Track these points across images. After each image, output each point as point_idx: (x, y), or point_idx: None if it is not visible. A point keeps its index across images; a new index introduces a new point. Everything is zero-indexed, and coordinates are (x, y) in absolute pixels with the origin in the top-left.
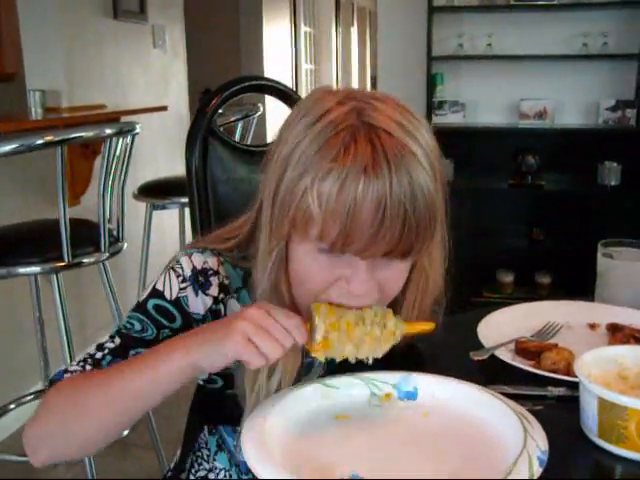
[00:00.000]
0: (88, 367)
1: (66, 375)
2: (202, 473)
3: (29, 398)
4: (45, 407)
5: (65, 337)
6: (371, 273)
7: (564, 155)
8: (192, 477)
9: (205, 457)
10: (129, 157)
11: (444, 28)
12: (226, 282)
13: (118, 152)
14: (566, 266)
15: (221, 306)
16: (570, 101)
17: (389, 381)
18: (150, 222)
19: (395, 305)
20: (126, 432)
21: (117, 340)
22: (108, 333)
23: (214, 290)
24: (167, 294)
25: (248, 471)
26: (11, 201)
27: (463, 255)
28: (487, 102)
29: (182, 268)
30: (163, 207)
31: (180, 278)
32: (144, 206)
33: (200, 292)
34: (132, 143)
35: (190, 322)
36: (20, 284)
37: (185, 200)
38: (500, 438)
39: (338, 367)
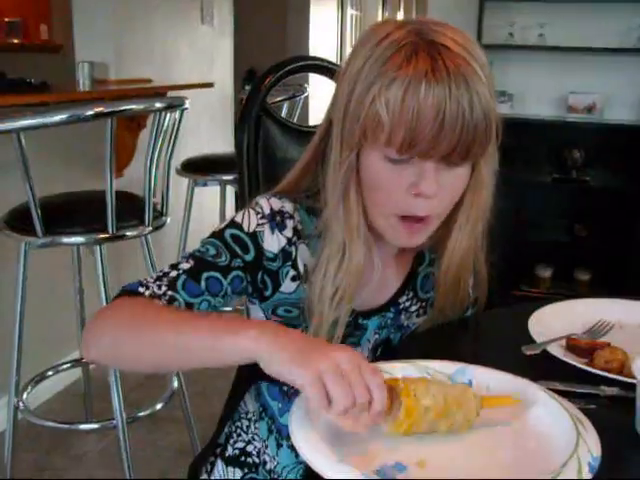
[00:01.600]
0: (164, 287)
1: (140, 289)
2: (240, 445)
3: (66, 366)
4: (108, 313)
5: None
6: (437, 176)
7: (611, 151)
8: (230, 448)
9: (244, 428)
10: (177, 132)
11: (495, 16)
12: (300, 227)
13: (166, 127)
14: (606, 264)
15: (293, 249)
16: (620, 96)
17: (445, 371)
18: (192, 198)
19: (450, 220)
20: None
21: (191, 261)
22: None
23: (289, 232)
24: (245, 226)
25: (289, 437)
26: (56, 172)
27: (503, 247)
28: (535, 94)
29: (261, 207)
30: (205, 184)
31: (259, 215)
32: (186, 182)
33: (277, 230)
34: (180, 118)
35: (262, 258)
36: (61, 253)
37: (227, 177)
38: (552, 438)
39: (391, 353)
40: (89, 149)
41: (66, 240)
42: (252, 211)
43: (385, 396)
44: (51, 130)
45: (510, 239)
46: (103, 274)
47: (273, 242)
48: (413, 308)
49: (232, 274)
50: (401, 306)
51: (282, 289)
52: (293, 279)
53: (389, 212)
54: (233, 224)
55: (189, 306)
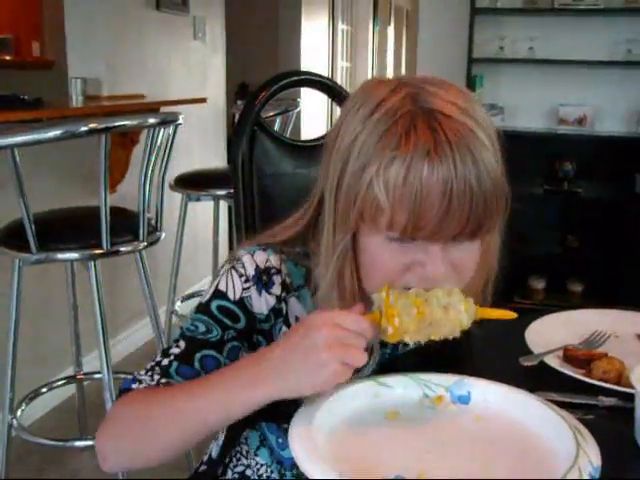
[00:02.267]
0: (156, 376)
1: (134, 385)
2: (240, 469)
3: (60, 383)
4: (113, 419)
5: (100, 324)
6: (445, 255)
7: (602, 163)
8: (230, 472)
9: (244, 453)
10: (170, 147)
11: (486, 30)
12: (288, 280)
13: (159, 142)
14: (599, 275)
15: (283, 305)
16: (610, 108)
17: (443, 383)
18: (185, 213)
19: None
20: None
21: (182, 344)
22: (139, 321)
23: (277, 289)
24: (230, 295)
25: (291, 467)
26: (48, 188)
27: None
28: (526, 106)
29: (244, 267)
30: (198, 199)
31: (243, 278)
32: (179, 197)
33: (264, 291)
34: (174, 134)
35: (254, 322)
36: (55, 269)
37: (220, 192)
38: (551, 449)
39: (391, 366)
40: (83, 165)
41: (60, 256)
42: (235, 274)
43: (374, 329)
44: (45, 146)
45: (503, 251)
46: (98, 290)
47: (262, 304)
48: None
49: (227, 346)
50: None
51: None
52: None
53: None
54: (218, 294)
55: (205, 376)
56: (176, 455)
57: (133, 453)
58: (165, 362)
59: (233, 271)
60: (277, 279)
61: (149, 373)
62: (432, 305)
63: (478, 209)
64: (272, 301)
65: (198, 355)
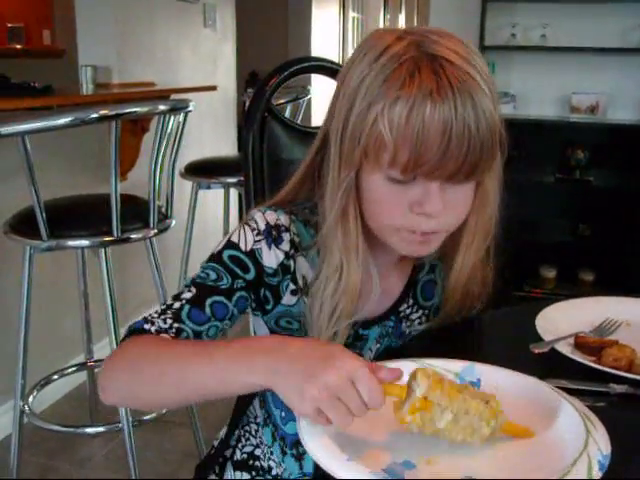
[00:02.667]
0: (169, 320)
1: (146, 326)
2: (249, 449)
3: (71, 370)
4: (119, 356)
5: (110, 311)
6: (442, 194)
7: (614, 151)
8: (238, 452)
9: (253, 432)
10: (181, 135)
11: (497, 17)
12: (297, 239)
13: (170, 129)
14: (610, 264)
15: (291, 262)
16: (623, 96)
17: (452, 369)
18: (196, 201)
19: (456, 233)
20: None
21: (193, 290)
22: (150, 308)
23: (286, 245)
24: (242, 246)
25: (292, 445)
26: (59, 175)
27: (506, 248)
28: (538, 94)
29: (257, 223)
30: (208, 187)
31: (255, 232)
32: (189, 185)
33: (273, 246)
34: (184, 121)
35: (262, 274)
36: (66, 257)
37: (230, 180)
38: (561, 436)
39: (399, 351)
40: (93, 153)
41: (71, 243)
42: (248, 228)
43: (381, 401)
44: (56, 134)
45: (514, 239)
46: (108, 277)
47: (271, 258)
48: (414, 316)
49: (236, 295)
50: (402, 314)
51: (283, 302)
52: (293, 293)
53: (395, 227)
54: (230, 244)
55: (197, 334)
56: (170, 408)
57: (132, 392)
58: (177, 305)
59: (246, 226)
60: (286, 236)
61: (162, 316)
62: (467, 416)
63: (475, 150)
64: (281, 256)
65: (209, 300)
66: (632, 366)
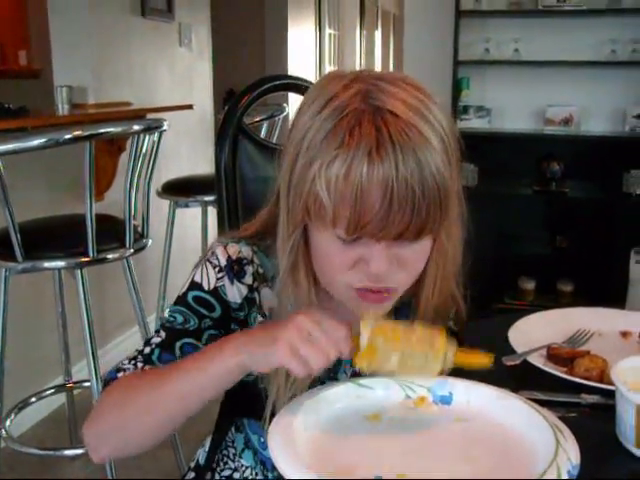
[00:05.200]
0: (140, 364)
1: (119, 374)
2: (227, 472)
3: (49, 392)
4: (101, 407)
5: (88, 332)
6: (389, 252)
7: (589, 162)
8: (217, 476)
9: (231, 456)
10: (155, 154)
11: (471, 32)
12: (260, 271)
13: (145, 149)
14: (589, 274)
15: (256, 294)
16: (597, 108)
17: (424, 384)
18: (173, 220)
19: (417, 285)
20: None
21: (162, 334)
22: (129, 329)
23: (249, 279)
24: (205, 285)
25: (273, 468)
26: (36, 196)
27: (485, 261)
28: (513, 108)
29: (218, 258)
30: (186, 205)
31: (217, 268)
32: (167, 204)
33: (236, 280)
34: (159, 140)
35: (229, 311)
36: (43, 278)
37: (208, 199)
38: (532, 449)
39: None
40: (69, 173)
41: (47, 265)
42: (209, 265)
43: (350, 342)
44: (31, 154)
45: (493, 252)
46: (85, 298)
47: (235, 293)
48: None
49: (205, 335)
50: None
51: None
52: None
53: (345, 284)
54: (194, 285)
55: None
56: (160, 439)
57: (119, 439)
58: (147, 350)
59: (207, 263)
60: (249, 269)
61: (132, 362)
62: (413, 357)
63: (421, 211)
64: (244, 290)
65: (178, 343)
66: (603, 376)
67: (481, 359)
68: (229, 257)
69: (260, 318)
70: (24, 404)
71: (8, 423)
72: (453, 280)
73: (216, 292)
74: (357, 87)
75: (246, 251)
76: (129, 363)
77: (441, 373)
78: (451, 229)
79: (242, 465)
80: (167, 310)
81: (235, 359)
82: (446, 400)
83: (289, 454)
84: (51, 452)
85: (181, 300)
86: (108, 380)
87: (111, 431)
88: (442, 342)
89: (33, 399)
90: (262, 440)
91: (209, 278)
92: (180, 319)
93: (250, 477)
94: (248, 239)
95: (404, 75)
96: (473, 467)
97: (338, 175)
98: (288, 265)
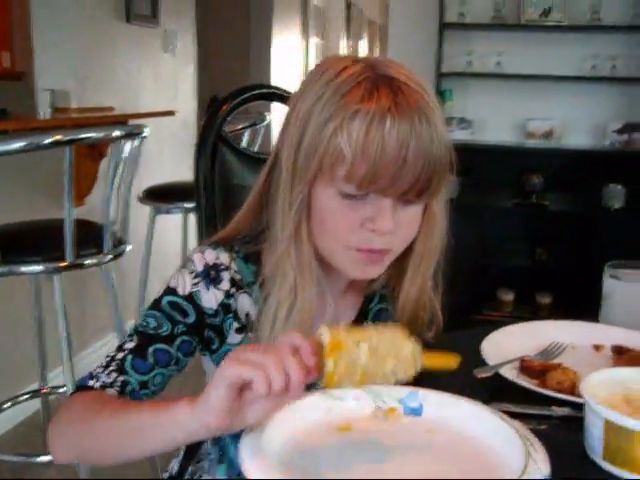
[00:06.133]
0: (113, 374)
1: (91, 382)
2: None
3: (25, 397)
4: (65, 415)
5: (64, 338)
6: (393, 212)
7: (569, 176)
8: None
9: (206, 469)
10: (137, 160)
11: (454, 45)
12: (237, 277)
13: (125, 154)
14: (568, 287)
15: (232, 300)
16: (577, 122)
17: (395, 395)
18: (154, 226)
19: (403, 259)
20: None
21: (135, 339)
22: (107, 335)
23: (225, 284)
24: (180, 290)
25: None
26: (16, 200)
27: (465, 271)
28: (495, 120)
29: (194, 264)
30: (167, 212)
31: (193, 274)
32: (148, 210)
33: (212, 286)
34: (140, 146)
35: (203, 317)
36: (20, 283)
37: (189, 205)
38: (502, 460)
39: None
40: (50, 178)
41: (24, 269)
42: (185, 271)
43: (302, 337)
44: (11, 158)
45: (472, 263)
46: (62, 303)
47: (210, 298)
48: None
49: (178, 341)
50: None
51: (228, 341)
52: (238, 331)
53: (345, 245)
54: (169, 290)
55: (143, 384)
56: (124, 461)
57: (77, 450)
58: (120, 356)
59: (184, 269)
60: (225, 275)
61: (105, 370)
62: (378, 367)
63: (430, 167)
64: (220, 296)
65: (151, 349)
66: (574, 389)
67: (447, 360)
68: (206, 263)
69: (236, 324)
70: None
71: None
72: (430, 280)
73: (191, 297)
74: (365, 61)
75: (224, 257)
76: (102, 371)
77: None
78: (439, 205)
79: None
80: (141, 314)
81: (186, 408)
82: (417, 411)
83: (258, 462)
84: (24, 458)
85: (155, 305)
86: (79, 386)
87: (69, 443)
88: (409, 351)
89: (8, 404)
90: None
91: (185, 283)
92: (153, 323)
93: None
94: (227, 245)
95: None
96: (444, 476)
97: (360, 129)
98: (292, 228)
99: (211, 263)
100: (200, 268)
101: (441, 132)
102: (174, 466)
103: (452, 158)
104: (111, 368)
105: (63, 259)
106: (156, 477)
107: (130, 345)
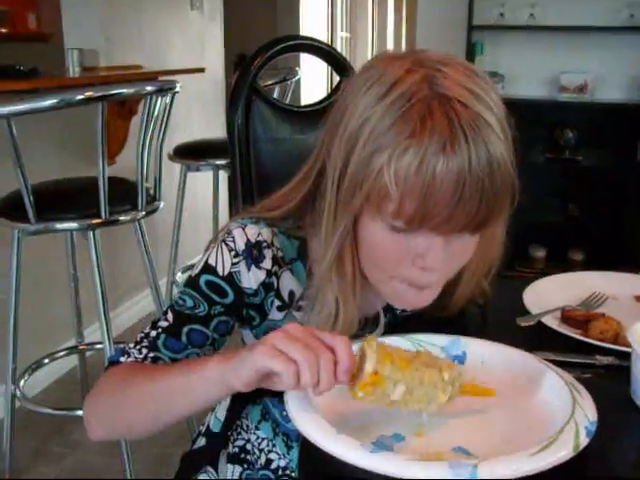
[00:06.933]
0: (144, 350)
1: (122, 358)
2: (240, 443)
3: (62, 353)
4: (99, 390)
5: (100, 294)
6: (446, 247)
7: (603, 131)
8: (230, 446)
9: (245, 427)
10: (168, 116)
11: None
12: (280, 254)
13: (157, 111)
14: (600, 243)
15: (274, 279)
16: (612, 75)
17: (438, 343)
18: (184, 183)
19: (453, 280)
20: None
21: (170, 317)
22: (141, 292)
23: (267, 263)
24: (219, 270)
25: (298, 438)
26: (49, 159)
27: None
28: (527, 74)
29: (235, 242)
30: (197, 169)
31: (233, 253)
32: (178, 167)
33: (253, 266)
34: (171, 102)
35: (242, 297)
36: (56, 240)
37: (219, 162)
38: (549, 405)
39: (389, 332)
40: (82, 136)
41: (59, 226)
42: (225, 248)
43: (350, 351)
44: (43, 117)
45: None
46: (97, 260)
47: (250, 279)
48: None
49: (214, 321)
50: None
51: (270, 318)
52: (279, 309)
53: (391, 276)
54: (207, 268)
55: (175, 361)
56: (153, 431)
57: (114, 426)
58: (153, 334)
59: (223, 245)
60: (268, 253)
61: (137, 346)
62: (406, 405)
63: (488, 204)
64: (262, 276)
65: (185, 329)
66: (618, 338)
67: (486, 392)
68: (248, 240)
69: (277, 302)
70: (37, 365)
71: (22, 383)
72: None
73: (230, 278)
74: (421, 72)
75: (266, 233)
76: (134, 347)
77: (446, 402)
78: (500, 226)
79: (257, 437)
80: (177, 290)
81: (217, 369)
82: (460, 359)
83: (310, 415)
84: (64, 412)
85: (193, 282)
86: (111, 363)
87: (104, 415)
88: (450, 369)
89: (46, 360)
90: (284, 414)
91: (224, 262)
92: (190, 303)
93: (266, 449)
94: (269, 220)
95: (452, 55)
96: (490, 424)
97: (410, 166)
98: (334, 254)
99: (253, 240)
100: (241, 246)
101: (503, 163)
102: (211, 421)
103: (514, 183)
104: (143, 344)
105: (98, 216)
106: (191, 430)
107: (164, 324)
